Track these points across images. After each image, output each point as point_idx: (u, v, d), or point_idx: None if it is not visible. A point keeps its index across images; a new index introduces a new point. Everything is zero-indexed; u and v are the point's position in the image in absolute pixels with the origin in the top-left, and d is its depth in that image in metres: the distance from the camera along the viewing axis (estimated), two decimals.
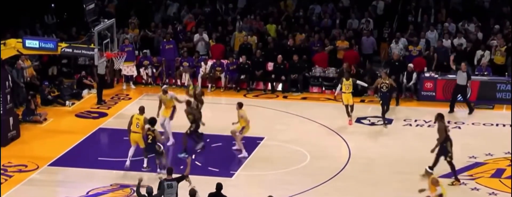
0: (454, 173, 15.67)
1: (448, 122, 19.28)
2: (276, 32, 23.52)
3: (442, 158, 15.55)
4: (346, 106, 18.96)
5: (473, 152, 17.01)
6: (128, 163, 16.22)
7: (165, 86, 18.90)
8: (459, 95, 19.97)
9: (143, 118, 16.15)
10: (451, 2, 24.38)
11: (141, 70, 22.33)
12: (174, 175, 13.52)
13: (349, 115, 19.01)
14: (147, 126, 15.87)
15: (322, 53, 22.29)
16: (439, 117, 15.80)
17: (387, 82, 18.89)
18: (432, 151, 15.56)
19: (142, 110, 16.44)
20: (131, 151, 16.25)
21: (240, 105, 16.95)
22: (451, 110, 19.82)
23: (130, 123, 16.26)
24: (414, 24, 23.32)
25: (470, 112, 19.76)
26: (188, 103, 17.30)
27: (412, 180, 15.79)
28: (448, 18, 23.37)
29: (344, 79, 18.93)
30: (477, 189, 15.42)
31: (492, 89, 20.60)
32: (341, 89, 18.88)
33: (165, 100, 17.72)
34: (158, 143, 16.04)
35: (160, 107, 17.76)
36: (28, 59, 20.93)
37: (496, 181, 15.67)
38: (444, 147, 15.45)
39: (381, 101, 18.96)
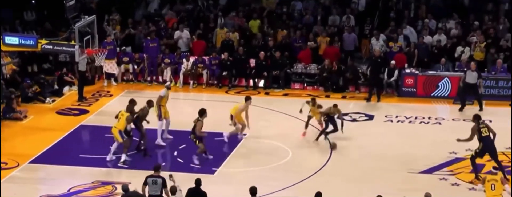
0: (475, 171, 15.64)
1: (429, 118, 19.56)
2: (258, 28, 23.54)
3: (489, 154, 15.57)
4: (309, 117, 17.77)
5: (453, 147, 17.12)
6: (109, 157, 16.38)
7: (169, 83, 19.10)
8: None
9: (126, 115, 16.23)
10: None
11: (121, 67, 22.27)
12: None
13: (306, 126, 17.80)
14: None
15: (306, 50, 22.36)
16: (475, 118, 15.85)
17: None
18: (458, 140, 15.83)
19: (128, 107, 16.59)
20: (113, 147, 16.36)
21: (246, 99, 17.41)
22: (462, 108, 19.76)
23: (116, 116, 16.50)
24: (395, 20, 23.45)
25: (481, 109, 19.49)
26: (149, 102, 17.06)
27: (394, 176, 15.93)
28: (428, 14, 23.54)
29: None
30: (457, 185, 15.54)
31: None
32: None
33: (167, 98, 17.58)
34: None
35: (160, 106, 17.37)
36: (8, 55, 20.78)
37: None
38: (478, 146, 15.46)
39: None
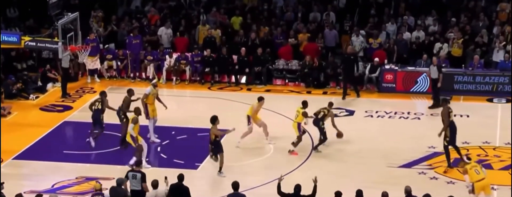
0: (447, 160, 15.94)
1: (408, 113, 19.88)
2: (240, 25, 23.72)
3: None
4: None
5: (431, 142, 17.40)
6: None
7: (155, 80, 18.79)
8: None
9: (131, 117, 16.10)
10: None
11: (104, 63, 22.36)
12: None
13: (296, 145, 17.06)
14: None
15: (287, 46, 22.58)
16: (444, 102, 16.01)
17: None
18: (439, 135, 15.91)
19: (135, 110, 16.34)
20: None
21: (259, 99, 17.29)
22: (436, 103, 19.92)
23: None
24: (375, 17, 23.74)
25: (433, 106, 19.83)
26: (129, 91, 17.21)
27: (374, 170, 16.19)
28: (407, 11, 23.85)
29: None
30: (436, 178, 15.81)
31: (450, 80, 21.11)
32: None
33: (155, 95, 17.53)
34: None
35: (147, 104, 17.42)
36: None
37: (454, 171, 16.04)
38: (445, 133, 15.72)
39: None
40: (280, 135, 17.97)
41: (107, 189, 13.52)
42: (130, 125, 15.87)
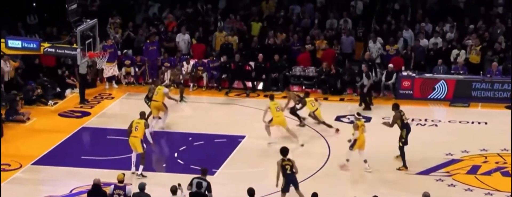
0: (403, 160, 16.34)
1: (425, 120, 19.80)
2: (259, 31, 23.78)
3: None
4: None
5: (449, 149, 17.36)
6: (133, 168, 16.00)
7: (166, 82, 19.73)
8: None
9: (143, 122, 16.09)
10: (428, 2, 24.82)
11: (122, 70, 22.51)
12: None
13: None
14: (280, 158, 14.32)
15: (305, 53, 22.62)
16: (395, 107, 16.72)
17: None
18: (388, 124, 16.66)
19: (142, 115, 16.38)
20: (133, 158, 16.04)
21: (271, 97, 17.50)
22: (367, 108, 20.30)
23: (130, 127, 16.05)
24: (391, 23, 23.71)
25: (366, 108, 20.14)
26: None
27: (391, 177, 16.13)
28: (425, 18, 23.80)
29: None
30: (454, 185, 15.73)
31: (468, 87, 21.04)
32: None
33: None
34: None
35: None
36: (12, 59, 21.00)
37: (472, 178, 16.01)
38: (401, 135, 16.37)
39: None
40: (297, 141, 17.97)
41: (131, 184, 13.58)
42: (146, 130, 15.93)
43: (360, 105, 20.63)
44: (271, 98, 17.92)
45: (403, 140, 16.37)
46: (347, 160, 16.26)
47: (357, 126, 16.16)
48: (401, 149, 16.42)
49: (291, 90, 18.68)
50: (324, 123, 18.60)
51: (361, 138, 16.21)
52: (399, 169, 16.40)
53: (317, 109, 18.58)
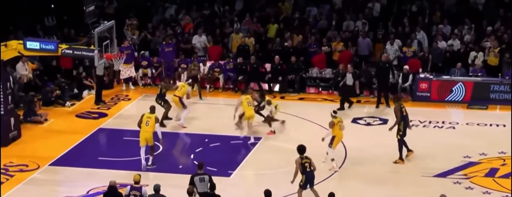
0: (400, 152, 16.57)
1: (443, 122, 19.69)
2: (276, 33, 23.78)
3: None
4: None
5: (467, 151, 17.26)
6: (144, 163, 16.32)
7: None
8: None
9: (154, 117, 16.34)
10: (446, 4, 24.69)
11: (139, 71, 22.58)
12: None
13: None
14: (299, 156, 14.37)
15: (320, 54, 22.58)
16: (396, 99, 17.00)
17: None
18: (390, 129, 16.77)
19: (152, 109, 16.64)
20: (142, 152, 16.33)
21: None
22: (342, 107, 20.32)
23: (140, 122, 16.36)
24: (408, 25, 23.61)
25: (349, 106, 20.38)
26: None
27: (409, 179, 16.06)
28: (443, 19, 23.67)
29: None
30: (472, 188, 15.65)
31: (486, 90, 20.89)
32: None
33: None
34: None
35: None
36: (31, 61, 21.15)
37: (490, 180, 15.92)
38: (398, 128, 16.57)
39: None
40: (313, 143, 17.92)
41: (147, 185, 13.66)
42: (156, 125, 16.18)
43: (377, 106, 20.57)
44: (244, 92, 18.29)
45: (401, 132, 16.57)
46: (332, 160, 16.30)
47: (333, 124, 16.29)
48: (400, 141, 16.60)
49: (253, 89, 19.35)
50: (269, 119, 18.52)
51: (338, 135, 16.36)
52: (395, 162, 16.50)
53: (276, 107, 18.69)
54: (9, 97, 18.00)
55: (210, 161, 16.88)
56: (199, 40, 23.32)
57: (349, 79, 20.74)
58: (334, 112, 16.69)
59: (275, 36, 23.61)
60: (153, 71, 22.68)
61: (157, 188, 13.30)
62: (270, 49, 22.93)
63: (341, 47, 22.62)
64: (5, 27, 22.05)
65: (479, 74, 21.28)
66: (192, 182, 13.64)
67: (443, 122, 19.68)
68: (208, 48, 23.32)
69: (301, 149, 14.52)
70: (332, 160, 16.36)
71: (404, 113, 16.67)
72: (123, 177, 16.16)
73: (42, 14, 24.25)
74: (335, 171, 16.28)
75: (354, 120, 19.67)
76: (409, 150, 16.82)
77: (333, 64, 22.49)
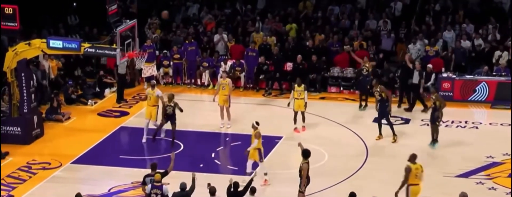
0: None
1: (466, 122, 19.51)
2: (296, 32, 23.72)
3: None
4: (296, 112, 18.32)
5: (490, 152, 17.11)
6: (144, 139, 17.44)
7: (153, 80, 19.63)
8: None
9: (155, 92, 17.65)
10: (469, 3, 24.46)
11: (160, 70, 22.64)
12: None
13: (295, 122, 18.37)
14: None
15: (343, 54, 22.47)
16: (434, 90, 17.89)
17: (367, 65, 19.55)
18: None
19: (153, 86, 18.05)
20: (150, 125, 17.58)
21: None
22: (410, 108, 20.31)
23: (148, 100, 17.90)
24: (431, 24, 23.42)
25: (424, 110, 19.64)
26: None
27: (430, 180, 15.93)
28: (466, 19, 23.46)
29: (295, 86, 18.38)
30: (495, 189, 15.54)
31: (510, 89, 20.65)
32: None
33: (151, 96, 18.17)
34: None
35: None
36: (53, 58, 21.33)
37: None
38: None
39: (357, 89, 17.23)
40: (334, 142, 17.88)
41: (168, 183, 13.68)
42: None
43: (408, 107, 20.29)
44: (223, 77, 18.94)
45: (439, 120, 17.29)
46: (265, 174, 15.57)
47: (259, 135, 15.43)
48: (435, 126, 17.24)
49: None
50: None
51: (258, 146, 15.54)
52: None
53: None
54: (32, 95, 18.14)
55: (231, 160, 16.94)
56: (220, 39, 23.32)
57: (416, 78, 20.12)
58: (257, 123, 15.54)
59: (296, 35, 23.53)
60: (171, 63, 22.52)
61: (183, 187, 13.35)
62: (288, 49, 22.86)
63: (356, 46, 22.39)
64: (29, 26, 22.23)
65: (503, 73, 21.05)
66: (144, 182, 13.69)
67: (466, 122, 19.51)
68: (230, 47, 23.33)
69: (307, 153, 14.27)
70: (265, 174, 15.62)
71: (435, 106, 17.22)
72: (144, 175, 16.22)
73: (65, 13, 24.42)
74: (269, 184, 15.51)
75: (375, 120, 19.52)
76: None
77: (355, 63, 22.37)
